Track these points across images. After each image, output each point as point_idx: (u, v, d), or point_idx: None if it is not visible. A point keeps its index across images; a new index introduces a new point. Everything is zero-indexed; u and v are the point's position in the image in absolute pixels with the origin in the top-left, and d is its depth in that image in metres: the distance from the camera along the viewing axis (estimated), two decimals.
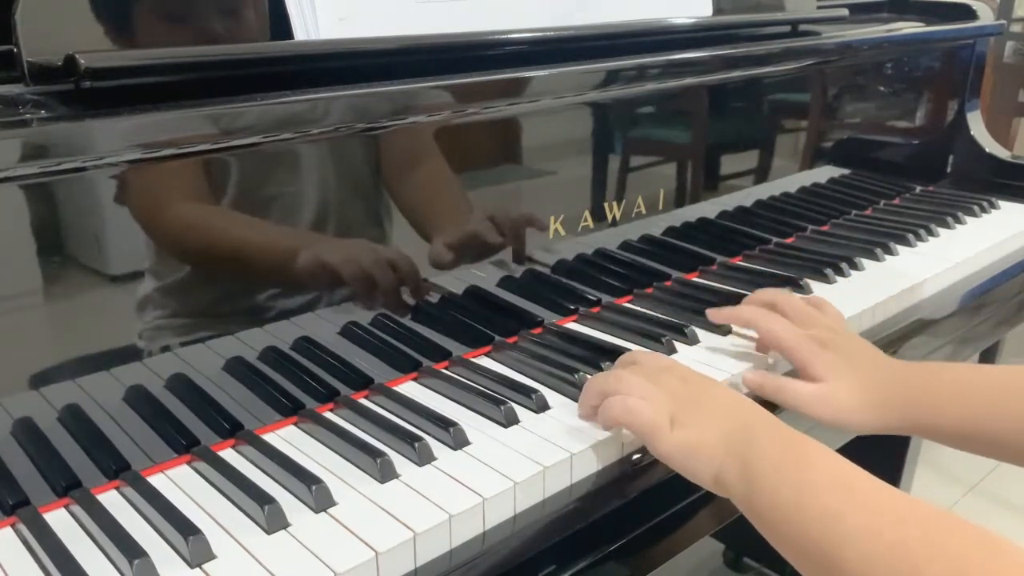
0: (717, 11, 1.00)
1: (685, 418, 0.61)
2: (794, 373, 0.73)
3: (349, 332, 0.72)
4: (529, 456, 0.62)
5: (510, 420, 0.67)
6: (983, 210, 1.24)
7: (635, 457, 0.65)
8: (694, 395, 0.63)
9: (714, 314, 0.82)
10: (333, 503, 0.57)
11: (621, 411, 0.62)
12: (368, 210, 0.72)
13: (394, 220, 0.73)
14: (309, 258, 0.68)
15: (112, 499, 0.58)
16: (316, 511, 0.57)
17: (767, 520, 0.55)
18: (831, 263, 0.99)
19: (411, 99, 0.69)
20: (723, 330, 0.84)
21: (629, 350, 0.76)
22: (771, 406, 0.70)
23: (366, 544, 0.53)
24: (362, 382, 0.72)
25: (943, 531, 0.47)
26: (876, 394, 0.69)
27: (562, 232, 0.85)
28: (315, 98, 0.64)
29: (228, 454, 0.64)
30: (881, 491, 0.52)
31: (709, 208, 1.02)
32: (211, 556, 0.53)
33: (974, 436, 0.67)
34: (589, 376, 0.70)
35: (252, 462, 0.63)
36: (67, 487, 0.58)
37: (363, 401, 0.71)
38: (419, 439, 0.63)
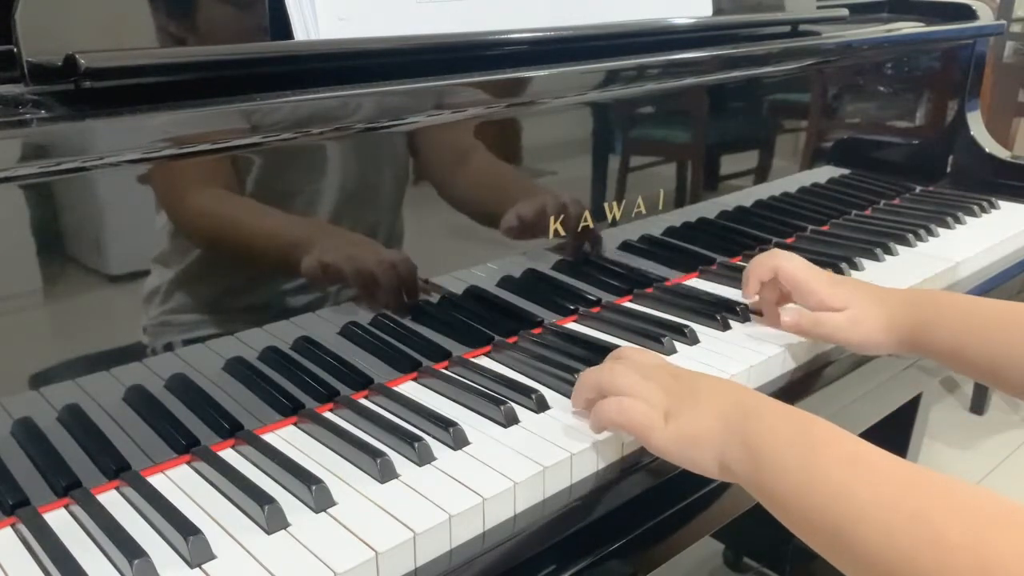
0: (717, 11, 1.00)
1: (679, 410, 0.61)
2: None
3: (349, 332, 0.72)
4: (529, 456, 0.62)
5: (510, 420, 0.67)
6: (983, 210, 1.24)
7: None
8: (686, 388, 0.63)
9: (747, 290, 0.85)
10: (333, 503, 0.57)
11: (615, 411, 0.62)
12: (368, 210, 0.72)
13: (393, 220, 0.73)
14: (308, 258, 0.68)
15: (112, 499, 0.58)
16: (316, 511, 0.57)
17: (776, 499, 0.54)
18: (831, 263, 0.99)
19: (411, 99, 0.69)
20: (724, 325, 0.84)
21: None
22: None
23: (366, 544, 0.53)
24: (362, 382, 0.72)
25: (959, 495, 0.47)
26: (888, 318, 0.77)
27: (562, 232, 0.85)
28: (316, 98, 0.64)
29: (228, 454, 0.64)
30: (890, 461, 0.51)
31: (709, 208, 1.02)
32: (211, 556, 0.53)
33: (969, 360, 0.73)
34: None
35: (252, 462, 0.63)
36: (67, 487, 0.58)
37: (363, 401, 0.71)
38: (419, 439, 0.63)
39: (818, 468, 0.52)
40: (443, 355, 0.78)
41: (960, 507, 0.47)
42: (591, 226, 0.87)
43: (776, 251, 0.84)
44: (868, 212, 1.24)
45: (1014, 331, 0.70)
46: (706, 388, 0.62)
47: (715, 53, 0.93)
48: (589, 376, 0.67)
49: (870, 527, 0.48)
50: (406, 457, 0.62)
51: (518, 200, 0.81)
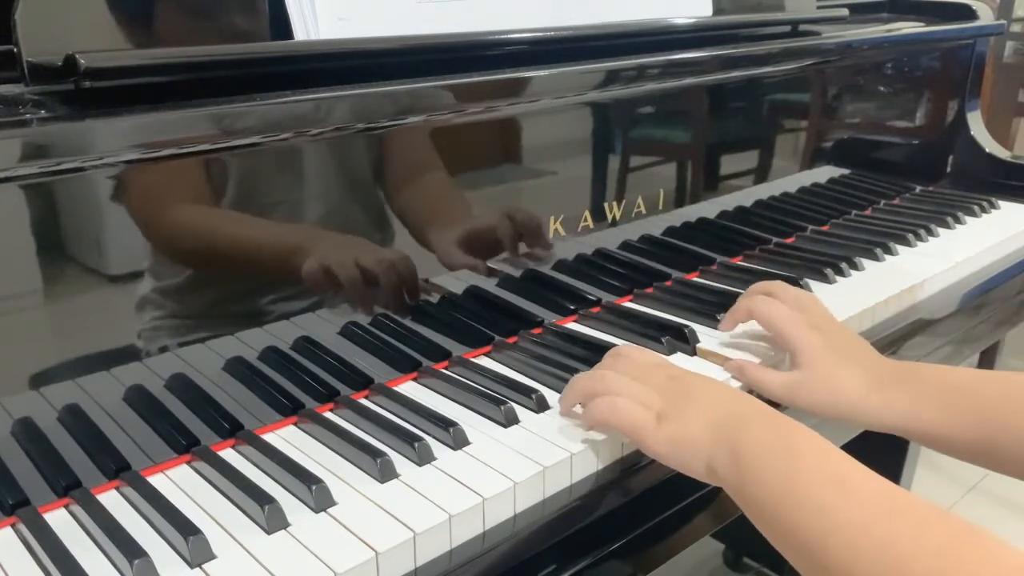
0: (717, 11, 1.00)
1: (673, 412, 0.61)
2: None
3: (349, 332, 0.72)
4: (529, 456, 0.62)
5: (510, 420, 0.67)
6: (983, 210, 1.24)
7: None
8: (682, 389, 0.62)
9: (724, 325, 0.81)
10: (333, 503, 0.57)
11: (608, 411, 0.62)
12: (368, 210, 0.72)
13: (394, 220, 0.73)
14: (309, 258, 0.68)
15: (112, 499, 0.58)
16: (316, 511, 0.57)
17: (756, 508, 0.54)
18: (831, 263, 0.99)
19: (411, 99, 0.69)
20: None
21: None
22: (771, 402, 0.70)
23: (366, 544, 0.53)
24: (362, 382, 0.72)
25: (931, 527, 0.47)
26: (850, 391, 0.68)
27: (562, 232, 0.85)
28: (315, 98, 0.64)
29: (228, 454, 0.64)
30: (872, 483, 0.51)
31: (709, 208, 1.02)
32: (211, 556, 0.53)
33: (958, 440, 0.66)
34: None
35: (252, 462, 0.63)
36: (67, 487, 0.58)
37: (363, 401, 0.71)
38: (419, 439, 0.63)
39: (797, 480, 0.52)
40: (443, 355, 0.78)
41: (929, 539, 0.46)
42: (591, 226, 0.87)
43: (757, 296, 0.78)
44: (868, 212, 1.24)
45: (1015, 407, 0.63)
46: (701, 391, 0.62)
47: (715, 53, 0.93)
48: (580, 383, 0.66)
49: (838, 546, 0.48)
50: (406, 457, 0.62)
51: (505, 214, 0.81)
